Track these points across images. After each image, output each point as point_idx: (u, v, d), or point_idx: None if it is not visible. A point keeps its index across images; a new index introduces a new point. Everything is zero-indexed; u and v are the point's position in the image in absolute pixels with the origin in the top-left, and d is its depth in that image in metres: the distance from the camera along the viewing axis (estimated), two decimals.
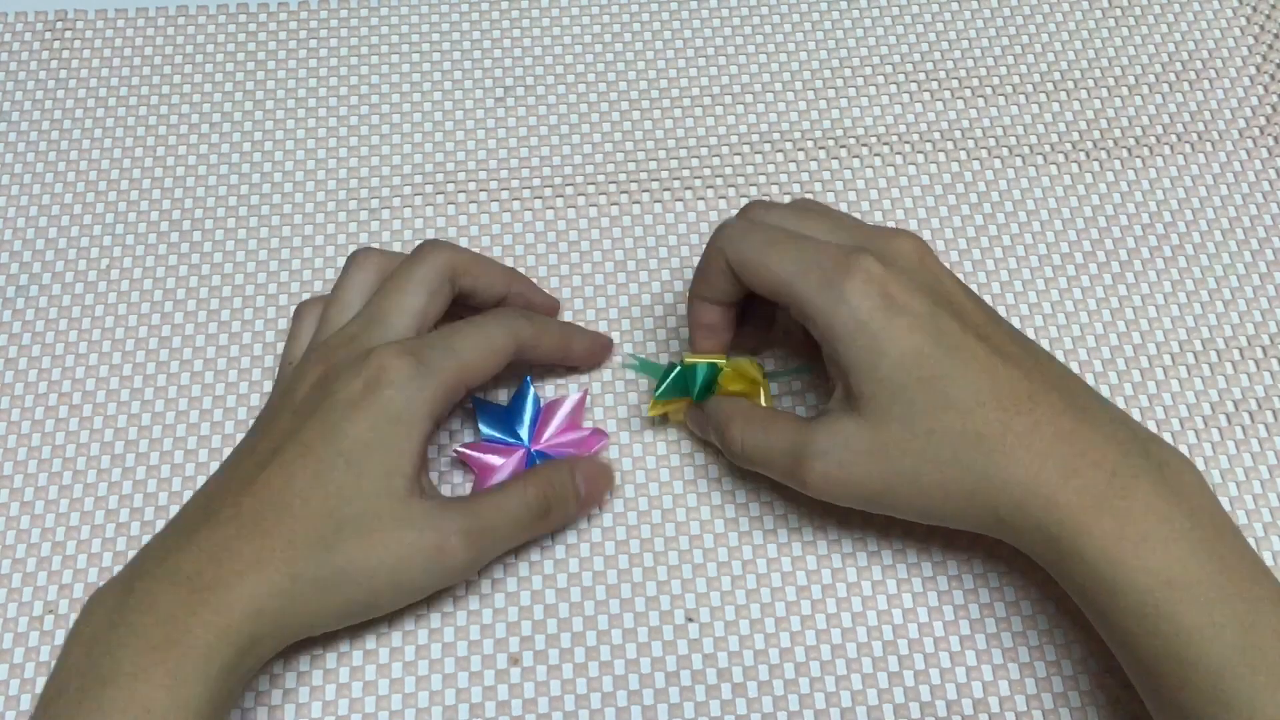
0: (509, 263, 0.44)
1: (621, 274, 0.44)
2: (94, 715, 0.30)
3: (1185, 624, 0.30)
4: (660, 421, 0.41)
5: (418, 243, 0.45)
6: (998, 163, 0.47)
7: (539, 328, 0.39)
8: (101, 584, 0.34)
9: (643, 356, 0.42)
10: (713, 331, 0.38)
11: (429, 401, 0.35)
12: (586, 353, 0.41)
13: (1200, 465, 0.40)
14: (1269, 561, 0.39)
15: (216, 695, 0.31)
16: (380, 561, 0.33)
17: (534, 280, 0.43)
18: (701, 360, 0.38)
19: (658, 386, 0.39)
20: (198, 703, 0.30)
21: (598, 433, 0.40)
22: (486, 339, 0.37)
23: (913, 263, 0.35)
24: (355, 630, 0.38)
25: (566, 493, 0.37)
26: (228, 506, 0.34)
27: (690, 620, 0.38)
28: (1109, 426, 0.33)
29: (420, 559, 0.34)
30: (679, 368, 0.38)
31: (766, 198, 0.44)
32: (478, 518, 0.35)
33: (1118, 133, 0.47)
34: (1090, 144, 0.47)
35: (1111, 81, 0.49)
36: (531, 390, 0.40)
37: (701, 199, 0.46)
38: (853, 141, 0.47)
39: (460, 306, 0.39)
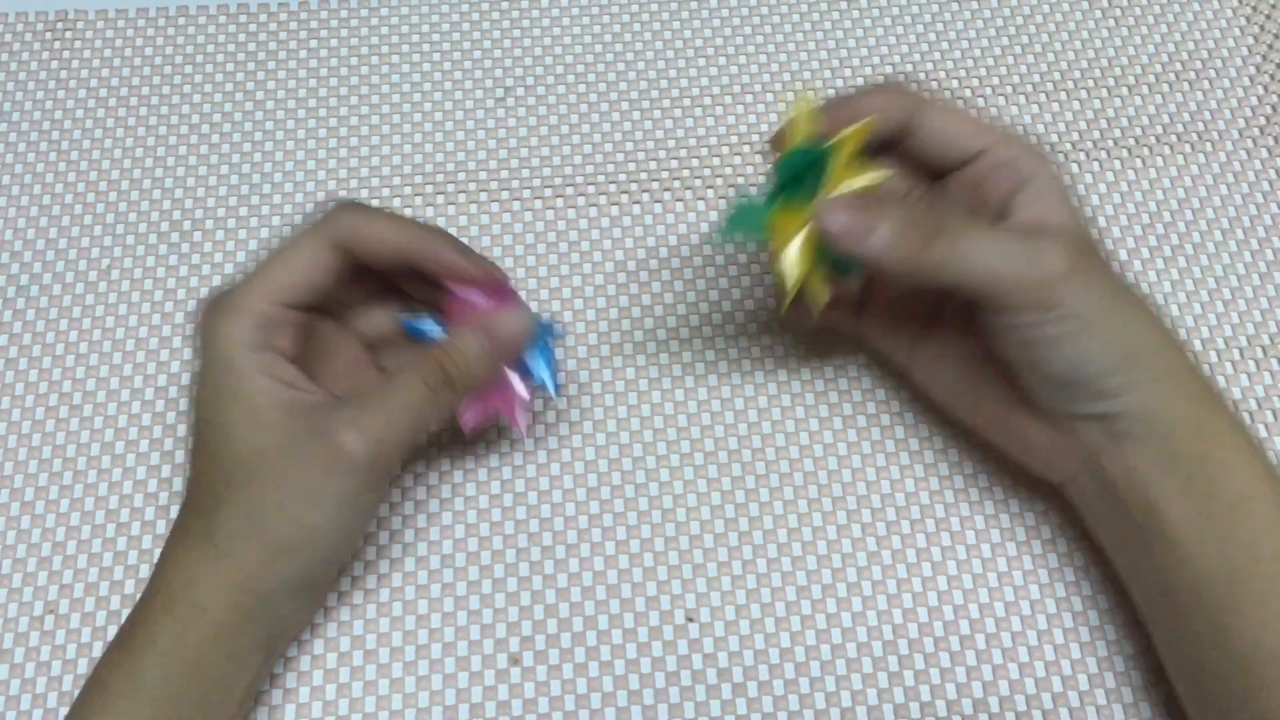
0: (508, 263, 0.44)
1: (621, 274, 0.44)
2: (75, 708, 0.33)
3: (1272, 518, 0.32)
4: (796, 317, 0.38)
5: None
6: None
7: (367, 216, 0.35)
8: (102, 584, 0.35)
9: (743, 201, 0.34)
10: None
11: (238, 336, 0.34)
12: (447, 260, 0.35)
13: None
14: None
15: (166, 662, 0.32)
16: (283, 491, 0.33)
17: (534, 283, 0.43)
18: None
19: (776, 195, 0.33)
20: (146, 671, 0.32)
21: (501, 291, 0.36)
22: (293, 245, 0.35)
23: None
24: (355, 630, 0.38)
25: (466, 353, 0.34)
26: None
27: (690, 620, 0.38)
28: None
29: (320, 467, 0.33)
30: (814, 150, 0.33)
31: None
32: (366, 406, 0.33)
33: (1118, 133, 0.47)
34: (1090, 144, 0.47)
35: (1111, 81, 0.49)
36: (412, 325, 0.37)
37: (701, 199, 0.46)
38: None
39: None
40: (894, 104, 0.36)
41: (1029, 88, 0.48)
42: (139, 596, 0.34)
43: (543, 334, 0.37)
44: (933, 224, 0.33)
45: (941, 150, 0.36)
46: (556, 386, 0.37)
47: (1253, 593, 0.32)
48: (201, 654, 0.33)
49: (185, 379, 0.42)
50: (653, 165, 0.47)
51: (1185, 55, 0.49)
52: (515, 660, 0.38)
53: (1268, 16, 0.50)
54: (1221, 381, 0.42)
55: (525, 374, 0.37)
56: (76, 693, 0.36)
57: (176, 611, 0.32)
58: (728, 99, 0.48)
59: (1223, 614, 0.32)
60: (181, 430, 0.41)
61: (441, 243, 0.35)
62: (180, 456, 0.40)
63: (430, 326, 0.37)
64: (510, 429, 0.40)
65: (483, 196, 0.46)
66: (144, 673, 0.32)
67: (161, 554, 0.34)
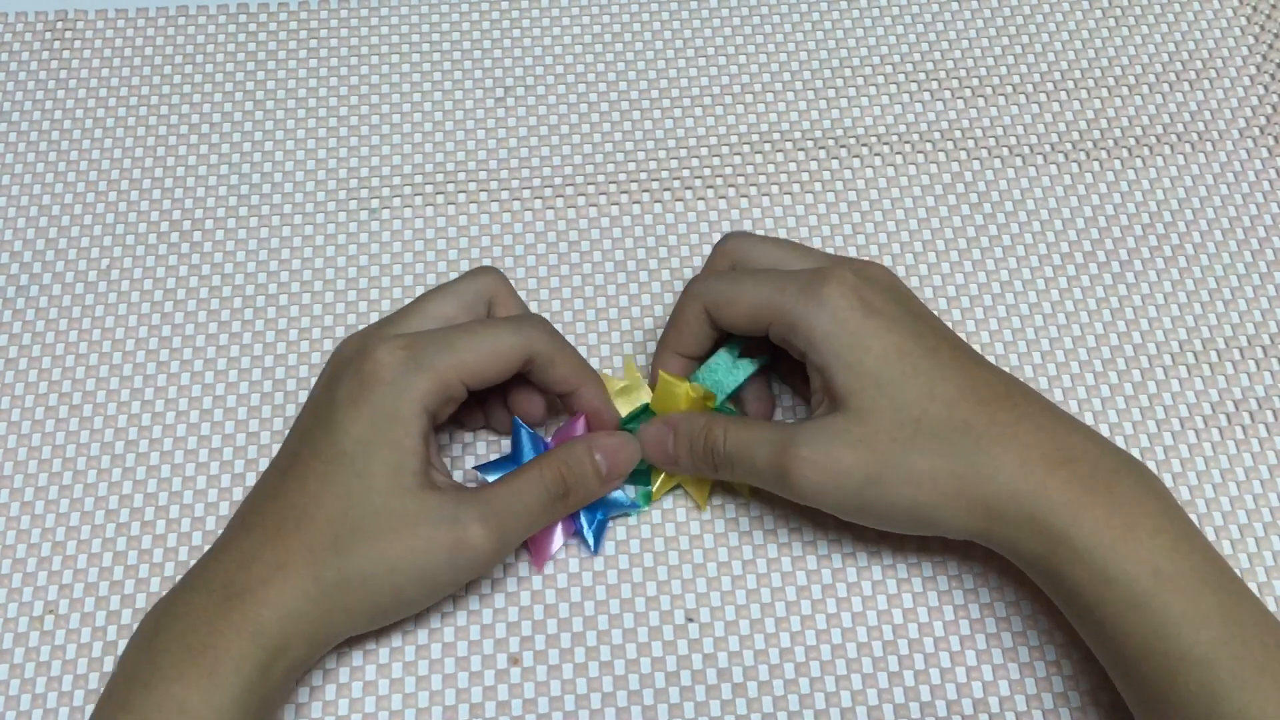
0: (508, 263, 0.44)
1: (621, 274, 0.44)
2: (133, 715, 0.31)
3: (1174, 613, 0.31)
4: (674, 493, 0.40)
5: (418, 242, 0.45)
6: (998, 163, 0.47)
7: (558, 346, 0.37)
8: (102, 584, 0.35)
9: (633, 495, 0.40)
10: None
11: (422, 396, 0.34)
12: (596, 407, 0.38)
13: (1200, 465, 0.41)
14: (1269, 561, 0.39)
15: (250, 696, 0.32)
16: (400, 559, 0.33)
17: (534, 283, 0.43)
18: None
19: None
20: (231, 703, 0.31)
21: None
22: (493, 338, 0.36)
23: (884, 280, 0.37)
24: None
25: (584, 470, 0.36)
26: (254, 514, 0.35)
27: (690, 620, 0.38)
28: (1082, 429, 0.35)
29: (442, 553, 0.33)
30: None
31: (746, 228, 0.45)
32: (494, 505, 0.34)
33: (1118, 133, 0.47)
34: (1090, 144, 0.47)
35: (1111, 81, 0.49)
36: (524, 429, 0.38)
37: (701, 199, 0.46)
38: (853, 141, 0.47)
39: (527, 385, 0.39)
40: (687, 337, 0.38)
41: (1029, 88, 0.48)
42: (191, 587, 0.33)
43: (621, 504, 0.39)
44: (709, 453, 0.36)
45: (749, 329, 0.37)
46: (599, 547, 0.39)
47: (1136, 696, 0.33)
48: (277, 688, 0.33)
49: (184, 379, 0.42)
50: (653, 165, 0.47)
51: (1185, 55, 0.49)
52: (515, 660, 0.37)
53: (1268, 16, 0.50)
54: (1221, 381, 0.42)
55: (569, 519, 0.38)
56: (78, 693, 0.37)
57: (264, 643, 0.32)
58: (728, 99, 0.48)
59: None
60: (181, 430, 0.41)
61: (603, 391, 0.38)
62: (179, 456, 0.40)
63: (533, 439, 0.38)
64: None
65: (483, 196, 0.46)
66: (225, 701, 0.31)
67: (241, 562, 0.33)
